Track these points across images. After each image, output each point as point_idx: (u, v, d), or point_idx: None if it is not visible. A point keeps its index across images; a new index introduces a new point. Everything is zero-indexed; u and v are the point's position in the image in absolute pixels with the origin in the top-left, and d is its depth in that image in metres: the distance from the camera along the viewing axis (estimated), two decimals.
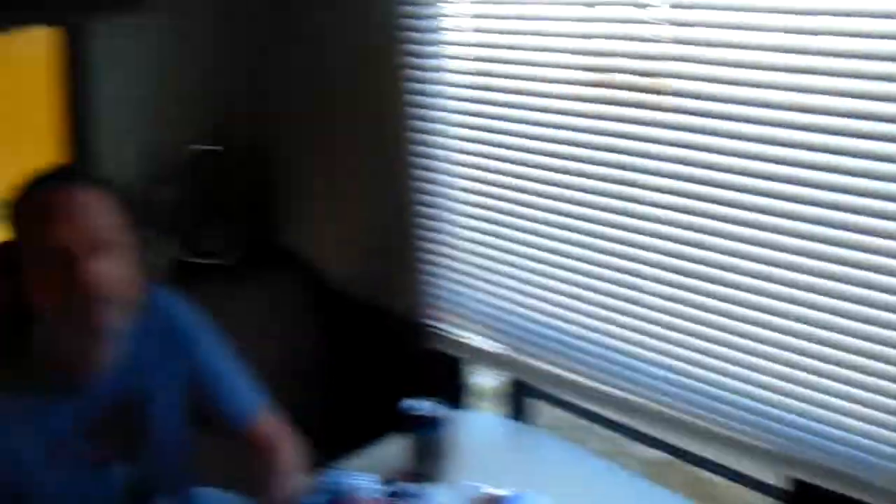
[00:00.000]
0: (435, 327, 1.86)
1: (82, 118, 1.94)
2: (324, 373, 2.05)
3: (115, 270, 1.17)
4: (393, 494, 1.31)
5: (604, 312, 1.53)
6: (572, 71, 1.51)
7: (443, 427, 1.38)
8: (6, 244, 1.19)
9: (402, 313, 1.88)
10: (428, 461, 1.38)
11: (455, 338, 1.85)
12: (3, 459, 1.20)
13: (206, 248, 2.03)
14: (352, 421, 1.88)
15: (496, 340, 1.76)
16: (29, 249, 1.16)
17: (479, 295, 1.76)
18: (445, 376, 1.88)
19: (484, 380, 2.15)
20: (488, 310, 1.75)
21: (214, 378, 1.39)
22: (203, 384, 1.38)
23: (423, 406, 1.37)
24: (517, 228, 1.65)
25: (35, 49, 1.93)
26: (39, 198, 1.18)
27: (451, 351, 1.87)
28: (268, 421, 1.44)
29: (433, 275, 1.83)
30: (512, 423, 1.68)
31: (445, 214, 1.78)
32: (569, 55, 1.51)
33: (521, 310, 1.68)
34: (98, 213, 1.18)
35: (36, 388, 1.21)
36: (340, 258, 2.05)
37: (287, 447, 1.40)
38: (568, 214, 1.55)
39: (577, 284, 1.57)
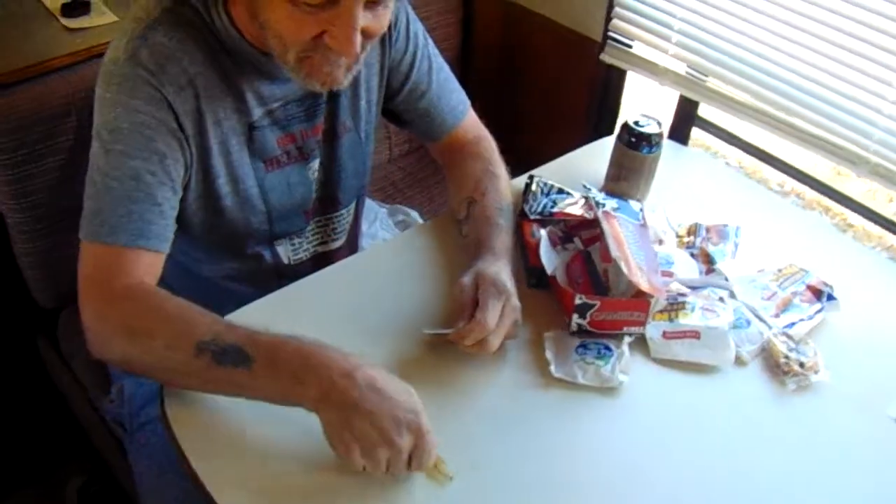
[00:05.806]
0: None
1: None
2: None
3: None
4: (596, 204, 1.30)
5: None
6: None
7: (659, 148, 1.35)
8: None
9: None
10: (634, 178, 1.38)
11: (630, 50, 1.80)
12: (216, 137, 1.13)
13: None
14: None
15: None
16: None
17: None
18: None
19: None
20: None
21: (429, 81, 1.32)
22: (417, 84, 1.32)
23: (649, 124, 1.34)
24: None
25: None
26: None
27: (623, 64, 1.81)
28: (471, 125, 1.39)
29: None
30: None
31: None
32: None
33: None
34: None
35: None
36: None
37: (491, 151, 1.37)
38: None
39: None
